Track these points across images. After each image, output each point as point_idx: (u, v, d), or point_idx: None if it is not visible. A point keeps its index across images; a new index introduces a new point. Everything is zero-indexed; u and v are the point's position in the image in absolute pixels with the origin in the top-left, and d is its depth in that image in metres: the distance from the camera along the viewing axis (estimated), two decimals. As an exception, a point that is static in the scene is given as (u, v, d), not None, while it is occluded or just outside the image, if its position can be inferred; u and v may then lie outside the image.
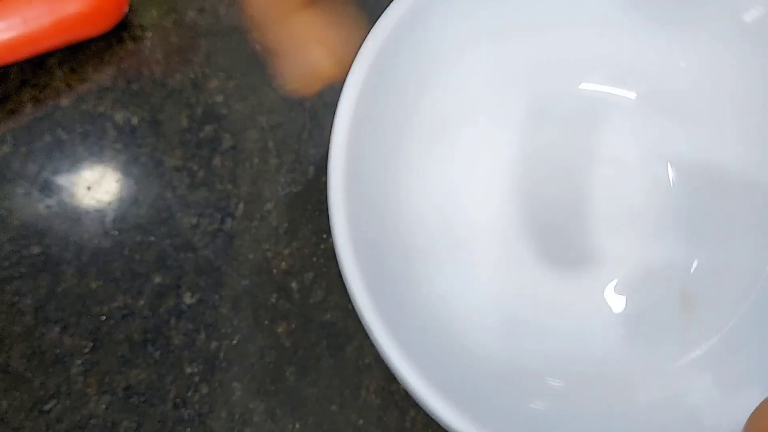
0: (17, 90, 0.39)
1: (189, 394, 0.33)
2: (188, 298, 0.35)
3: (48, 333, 0.34)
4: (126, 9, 0.40)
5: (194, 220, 0.36)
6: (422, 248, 0.24)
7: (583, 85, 0.25)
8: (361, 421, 0.33)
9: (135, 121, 0.38)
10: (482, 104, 0.24)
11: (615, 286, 0.24)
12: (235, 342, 0.34)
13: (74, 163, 0.37)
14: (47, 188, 0.37)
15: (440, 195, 0.25)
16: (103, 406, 0.33)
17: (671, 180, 0.24)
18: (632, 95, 0.25)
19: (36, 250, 0.36)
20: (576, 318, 0.24)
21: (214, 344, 0.34)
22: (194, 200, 0.36)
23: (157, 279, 0.35)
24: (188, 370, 0.34)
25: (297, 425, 0.33)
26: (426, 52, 0.22)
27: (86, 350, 0.34)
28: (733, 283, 0.22)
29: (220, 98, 0.39)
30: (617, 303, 0.24)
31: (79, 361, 0.34)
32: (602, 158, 0.25)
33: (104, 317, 0.34)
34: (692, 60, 0.24)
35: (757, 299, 0.21)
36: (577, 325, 0.24)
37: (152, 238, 0.36)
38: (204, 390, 0.33)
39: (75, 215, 0.36)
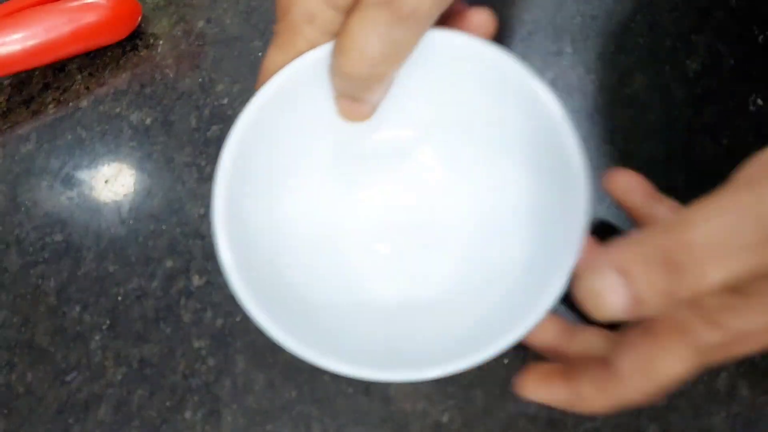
0: (40, 92, 0.42)
1: (197, 366, 0.37)
2: (197, 281, 0.38)
3: (69, 312, 0.38)
4: (139, 19, 0.43)
5: (202, 211, 0.40)
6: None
7: (377, 134, 0.35)
8: (350, 389, 0.36)
9: (148, 121, 0.42)
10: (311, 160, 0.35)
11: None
12: (238, 319, 0.37)
13: (93, 159, 0.41)
14: (68, 182, 0.40)
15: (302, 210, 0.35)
16: (119, 377, 0.37)
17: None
18: (411, 133, 0.35)
19: (58, 237, 0.39)
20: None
21: (219, 321, 0.38)
22: (202, 193, 0.40)
23: (169, 263, 0.39)
24: (196, 344, 0.37)
25: (294, 393, 0.36)
26: (279, 133, 0.32)
27: (104, 327, 0.38)
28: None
29: (225, 101, 0.42)
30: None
31: (97, 337, 0.37)
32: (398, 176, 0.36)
33: (120, 297, 0.38)
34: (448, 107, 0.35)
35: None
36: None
37: (164, 227, 0.39)
38: (210, 362, 0.37)
39: (94, 206, 0.40)
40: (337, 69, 0.29)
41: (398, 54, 0.28)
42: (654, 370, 0.27)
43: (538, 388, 0.31)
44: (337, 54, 0.28)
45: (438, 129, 0.35)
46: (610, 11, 0.44)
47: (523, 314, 0.29)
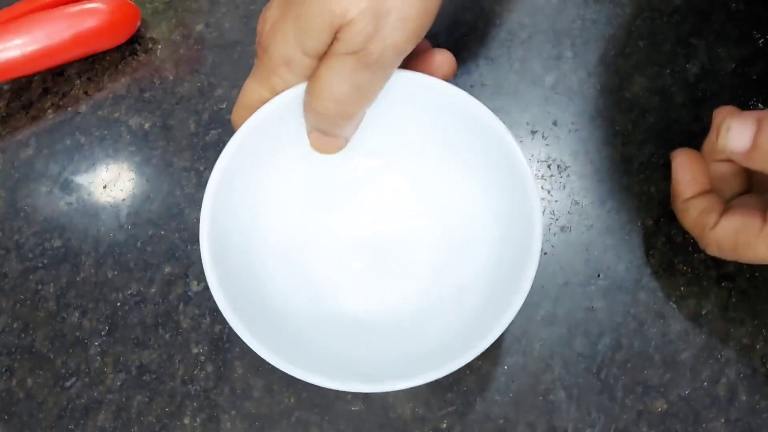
0: (39, 97, 0.42)
1: (196, 372, 0.37)
2: (195, 286, 0.38)
3: (69, 317, 0.38)
4: (138, 24, 0.43)
5: (201, 216, 0.40)
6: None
7: (353, 162, 0.37)
8: (349, 396, 0.36)
9: (147, 126, 0.42)
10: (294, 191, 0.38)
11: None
12: (237, 325, 0.37)
13: (92, 164, 0.41)
14: (67, 187, 0.40)
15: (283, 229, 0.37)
16: (119, 383, 0.37)
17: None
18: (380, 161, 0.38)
19: (57, 242, 0.39)
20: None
21: (218, 327, 0.38)
22: (201, 198, 0.39)
23: (167, 269, 0.39)
24: (195, 350, 0.37)
25: (292, 399, 0.36)
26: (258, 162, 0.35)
27: (103, 333, 0.38)
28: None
29: (224, 105, 0.42)
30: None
31: (96, 343, 0.37)
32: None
33: (119, 303, 0.38)
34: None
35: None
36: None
37: (163, 232, 0.39)
38: (209, 368, 0.37)
39: (93, 211, 0.40)
40: (309, 107, 0.32)
41: (364, 96, 0.31)
42: None
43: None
44: (309, 95, 0.31)
45: (404, 156, 0.38)
46: (610, 15, 0.44)
47: (490, 324, 0.31)
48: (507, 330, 0.37)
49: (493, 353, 0.37)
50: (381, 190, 0.38)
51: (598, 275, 0.38)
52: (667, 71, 0.43)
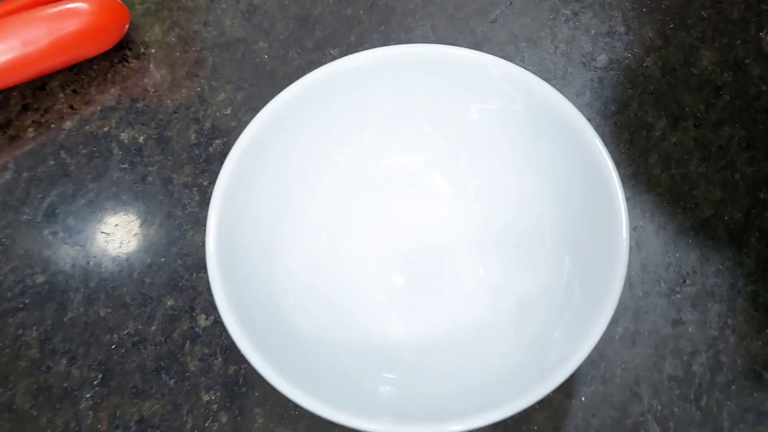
0: (18, 115, 0.37)
1: (207, 424, 0.31)
2: (203, 321, 0.32)
3: (55, 366, 0.32)
4: (127, 26, 0.38)
5: (206, 238, 0.34)
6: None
7: (386, 161, 0.33)
8: (395, 444, 0.30)
9: (141, 139, 0.36)
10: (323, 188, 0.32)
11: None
12: (254, 365, 0.31)
13: (79, 187, 0.35)
14: (51, 214, 0.35)
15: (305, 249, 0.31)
16: (116, 442, 0.31)
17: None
18: (421, 158, 0.33)
19: (40, 279, 0.33)
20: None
21: (232, 368, 0.31)
22: (206, 216, 0.34)
23: (170, 302, 0.33)
24: (205, 397, 0.31)
25: (326, 452, 0.30)
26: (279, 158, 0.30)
27: (96, 382, 0.31)
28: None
29: (228, 111, 0.37)
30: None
31: (88, 395, 0.31)
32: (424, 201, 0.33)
33: (114, 345, 0.32)
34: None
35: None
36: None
37: (162, 259, 0.34)
38: (223, 419, 0.31)
39: (81, 241, 0.34)
40: None
41: None
42: None
43: None
44: None
45: (448, 152, 0.32)
46: (669, -21, 0.38)
47: (564, 349, 0.25)
48: (581, 353, 0.30)
49: (564, 382, 0.30)
50: (422, 192, 0.32)
51: (684, 281, 0.32)
52: (738, 42, 0.37)
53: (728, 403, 0.30)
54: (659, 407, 0.30)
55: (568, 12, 0.38)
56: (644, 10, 0.38)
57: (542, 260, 0.29)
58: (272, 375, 0.24)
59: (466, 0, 0.39)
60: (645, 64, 0.37)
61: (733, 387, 0.30)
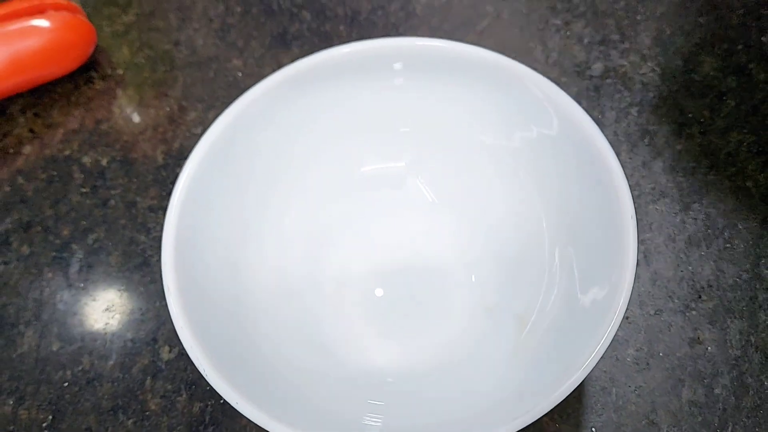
0: (-26, 140, 0.35)
1: (169, 469, 0.27)
2: (165, 353, 0.29)
3: (0, 407, 0.28)
4: (93, 47, 0.36)
5: (171, 263, 0.31)
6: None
7: (365, 167, 0.30)
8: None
9: (104, 161, 0.34)
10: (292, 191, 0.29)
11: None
12: (223, 401, 0.28)
13: (35, 214, 0.32)
14: (5, 243, 0.32)
15: (274, 255, 0.28)
16: (66, 493, 0.27)
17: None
18: (402, 164, 0.30)
19: (-11, 312, 0.30)
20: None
21: (198, 406, 0.28)
22: (171, 240, 0.31)
23: (129, 334, 0.29)
24: (167, 439, 0.27)
25: (302, 497, 0.26)
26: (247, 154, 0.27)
27: (45, 425, 0.28)
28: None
29: (199, 130, 0.34)
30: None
31: (35, 439, 0.28)
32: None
33: (67, 383, 0.29)
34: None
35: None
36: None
37: (123, 287, 0.30)
38: (187, 463, 0.27)
39: (35, 269, 0.31)
40: None
41: None
42: None
43: None
44: None
45: (432, 156, 0.30)
46: (662, -18, 0.36)
47: (564, 367, 0.22)
48: (589, 379, 0.27)
49: (573, 412, 0.27)
50: (404, 202, 0.30)
51: (699, 296, 0.29)
52: (740, 47, 0.35)
53: (756, 429, 0.26)
54: (680, 437, 0.26)
55: (558, 22, 0.36)
56: (638, 18, 0.36)
57: (541, 276, 0.26)
58: (246, 406, 0.21)
59: (450, 13, 0.37)
60: (642, 71, 0.34)
61: (761, 411, 0.26)
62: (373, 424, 0.23)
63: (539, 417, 0.21)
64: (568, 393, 0.21)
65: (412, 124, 0.29)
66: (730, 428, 0.26)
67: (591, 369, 0.21)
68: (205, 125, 0.34)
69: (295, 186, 0.29)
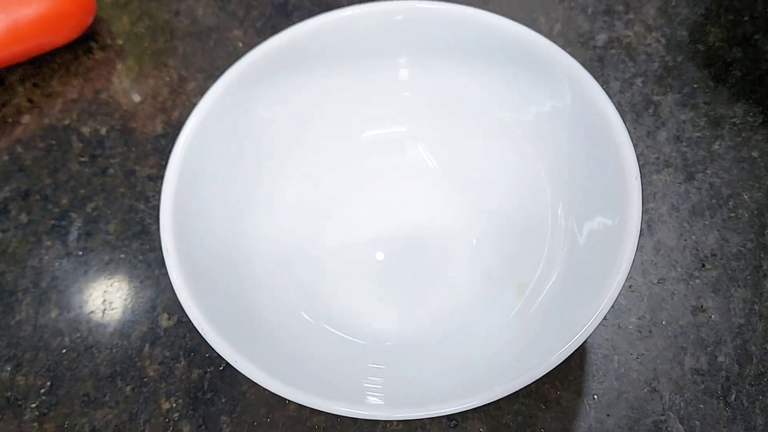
0: (-27, 110, 0.34)
1: (167, 434, 0.27)
2: (164, 321, 0.29)
3: (-2, 374, 0.28)
4: (93, 16, 0.36)
5: (171, 230, 0.30)
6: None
7: (366, 133, 0.30)
8: (381, 451, 0.26)
9: (103, 131, 0.33)
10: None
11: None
12: (222, 367, 0.28)
13: (34, 182, 0.32)
14: (4, 211, 0.32)
15: (272, 225, 0.28)
16: (64, 459, 0.27)
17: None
18: (403, 129, 0.30)
19: (-13, 279, 0.30)
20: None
21: (196, 372, 0.28)
22: (170, 208, 0.31)
23: (128, 302, 0.29)
24: (165, 405, 0.27)
25: (301, 462, 0.26)
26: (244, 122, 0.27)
27: (43, 390, 0.28)
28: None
29: (198, 100, 0.34)
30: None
31: (33, 405, 0.28)
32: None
33: (65, 350, 0.28)
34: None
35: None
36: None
37: (122, 255, 0.30)
38: (185, 428, 0.27)
39: (34, 237, 0.31)
40: None
41: None
42: None
43: None
44: None
45: (434, 122, 0.29)
46: (669, -51, 0.35)
47: (565, 331, 0.21)
48: (591, 347, 0.27)
49: (575, 379, 0.27)
50: (405, 168, 0.29)
51: (703, 265, 0.28)
52: (746, 18, 0.35)
53: (760, 397, 0.26)
54: (682, 404, 0.26)
55: (562, -8, 0.36)
56: (643, -12, 0.36)
57: (543, 241, 0.26)
58: (245, 364, 0.21)
59: (454, -16, 0.37)
60: (647, 42, 0.34)
61: (765, 379, 0.26)
62: (373, 386, 0.23)
63: (540, 377, 0.20)
64: (570, 353, 0.21)
65: (414, 89, 0.28)
66: (733, 396, 0.26)
67: (593, 329, 0.21)
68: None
69: (295, 151, 0.28)
